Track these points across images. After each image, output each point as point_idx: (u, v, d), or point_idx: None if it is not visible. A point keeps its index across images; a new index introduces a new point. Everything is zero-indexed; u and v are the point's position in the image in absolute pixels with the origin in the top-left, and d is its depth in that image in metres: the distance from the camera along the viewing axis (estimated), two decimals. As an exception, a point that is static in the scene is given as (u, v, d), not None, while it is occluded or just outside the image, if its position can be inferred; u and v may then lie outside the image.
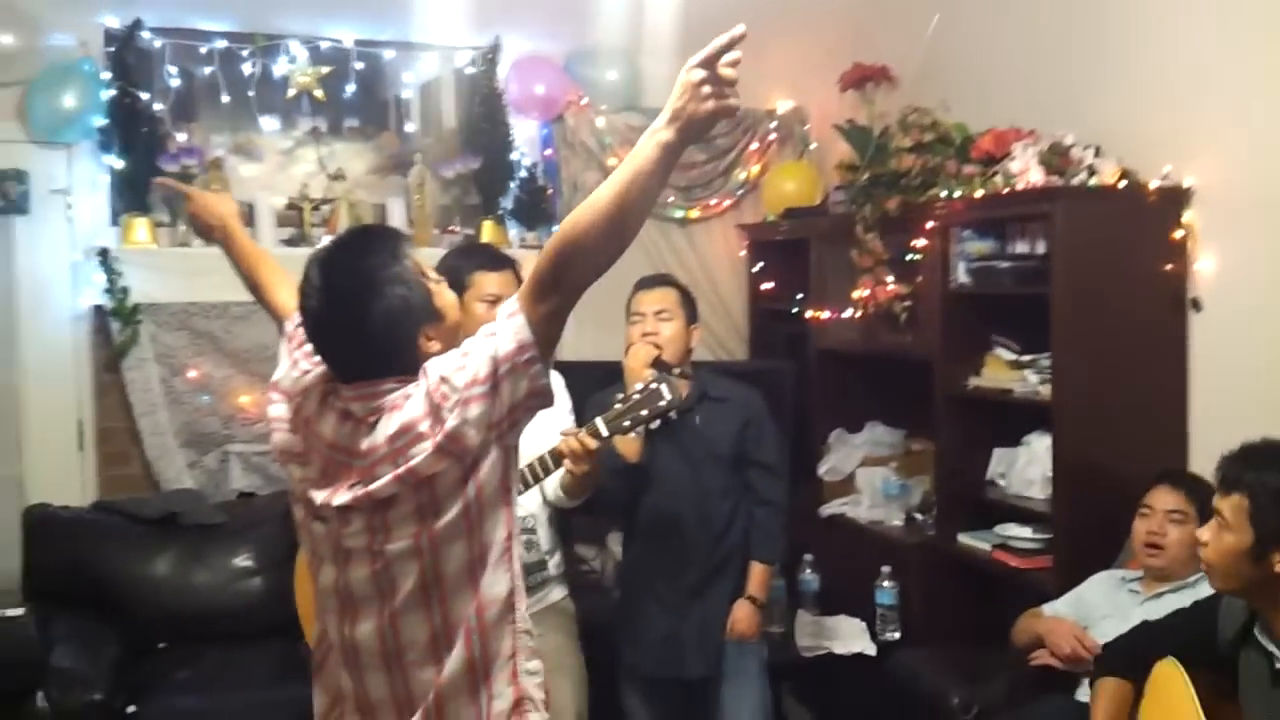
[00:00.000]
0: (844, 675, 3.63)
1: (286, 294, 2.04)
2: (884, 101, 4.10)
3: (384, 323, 1.67)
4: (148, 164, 4.11)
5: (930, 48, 4.06)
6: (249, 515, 4.04)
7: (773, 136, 4.91)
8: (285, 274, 2.15)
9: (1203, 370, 3.13)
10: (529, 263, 1.67)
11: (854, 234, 3.84)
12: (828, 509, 4.12)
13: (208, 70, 4.28)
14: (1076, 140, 3.26)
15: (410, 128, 4.59)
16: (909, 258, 3.70)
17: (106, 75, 4.11)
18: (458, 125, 4.65)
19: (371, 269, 1.69)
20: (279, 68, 4.35)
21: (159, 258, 4.16)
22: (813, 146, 4.92)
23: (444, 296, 1.78)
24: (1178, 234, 3.13)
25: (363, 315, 1.67)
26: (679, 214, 4.80)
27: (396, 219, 4.47)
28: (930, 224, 3.57)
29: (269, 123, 4.40)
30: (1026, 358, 3.32)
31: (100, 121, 4.11)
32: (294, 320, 1.83)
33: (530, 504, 2.75)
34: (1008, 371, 3.37)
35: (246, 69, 4.31)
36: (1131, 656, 2.39)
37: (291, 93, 4.37)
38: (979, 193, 3.37)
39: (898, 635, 3.60)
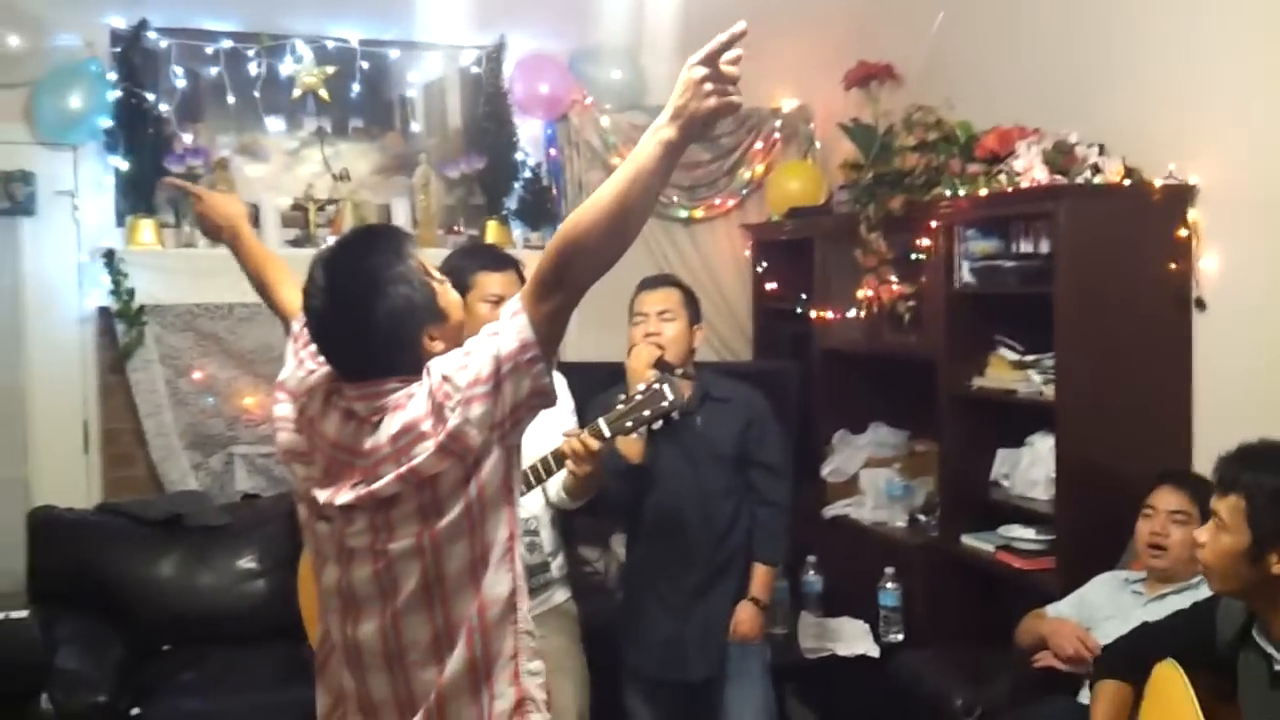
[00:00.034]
0: (847, 677, 3.63)
1: (293, 294, 2.04)
2: (888, 100, 4.09)
3: (387, 322, 1.68)
4: (153, 165, 4.13)
5: (935, 46, 4.06)
6: (253, 517, 4.04)
7: (777, 135, 4.91)
8: (291, 274, 2.16)
9: (1207, 370, 3.12)
10: (532, 263, 1.67)
11: (858, 233, 3.83)
12: (831, 510, 4.11)
13: (213, 71, 4.29)
14: (1081, 138, 3.25)
15: (415, 128, 4.59)
16: (913, 257, 3.69)
17: (112, 76, 4.12)
18: (462, 125, 4.65)
19: (375, 268, 1.69)
20: (284, 68, 4.36)
21: (164, 259, 4.17)
22: (817, 145, 4.92)
23: (448, 296, 1.79)
24: (1182, 233, 3.12)
25: (366, 315, 1.67)
26: (683, 214, 4.80)
27: (401, 219, 4.47)
28: (934, 223, 3.57)
29: (274, 123, 4.41)
30: (1030, 358, 3.31)
31: (106, 122, 4.12)
32: (300, 320, 1.83)
33: (533, 505, 2.75)
34: (1011, 372, 3.37)
35: (252, 69, 4.32)
36: (1131, 658, 2.39)
37: (297, 93, 4.38)
38: (983, 191, 3.36)
39: (901, 637, 3.60)
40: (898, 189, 3.70)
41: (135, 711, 3.32)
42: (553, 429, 2.56)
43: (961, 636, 3.46)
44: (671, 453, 2.97)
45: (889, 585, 3.62)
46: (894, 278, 3.77)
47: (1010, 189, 3.28)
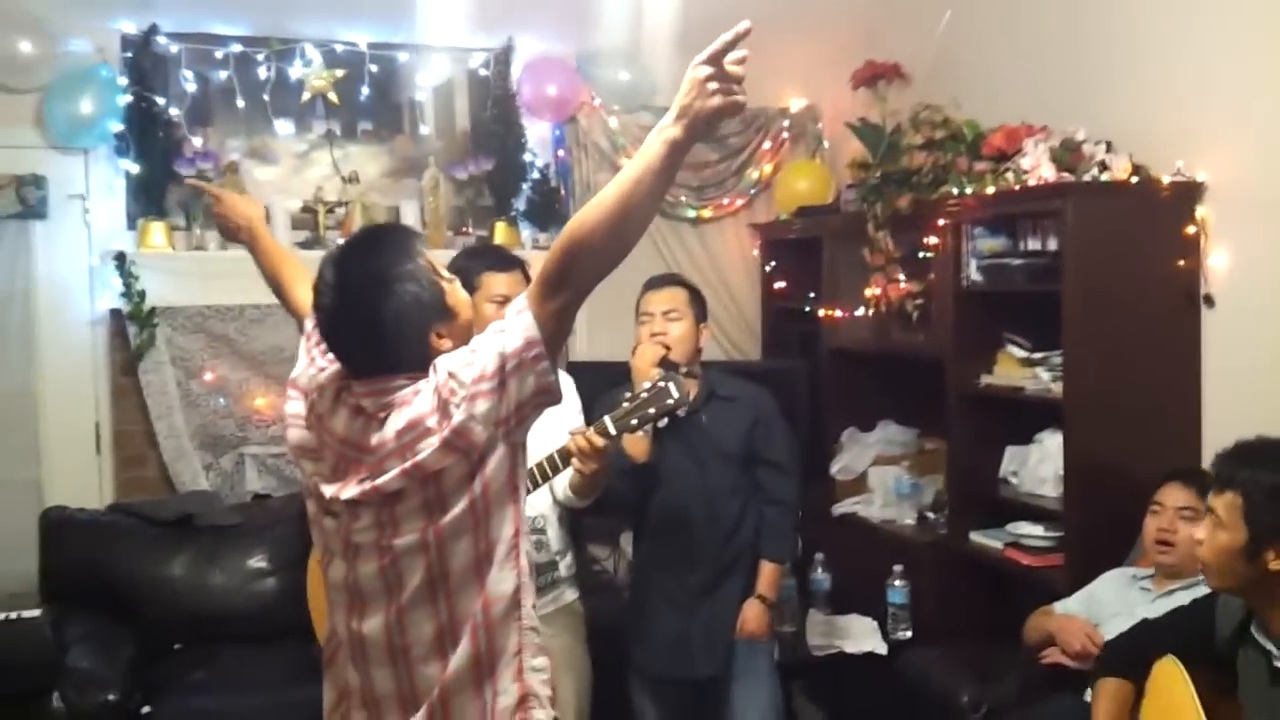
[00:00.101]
0: (855, 674, 3.63)
1: (307, 293, 2.04)
2: (896, 99, 4.09)
3: (395, 320, 1.69)
4: (164, 168, 4.16)
5: (942, 45, 4.06)
6: (264, 517, 4.06)
7: (785, 135, 4.91)
8: (306, 273, 2.16)
9: (1215, 367, 3.12)
10: (539, 264, 1.68)
11: (866, 232, 3.84)
12: (840, 508, 4.12)
13: (223, 74, 4.30)
14: (1088, 136, 3.25)
15: (424, 130, 4.61)
16: (921, 255, 3.70)
17: (123, 80, 4.14)
18: (470, 127, 4.67)
19: (383, 267, 1.71)
20: (294, 71, 4.37)
21: (175, 261, 4.19)
22: (825, 145, 4.92)
23: (456, 295, 1.80)
24: (1190, 230, 3.12)
25: (375, 312, 1.68)
26: (691, 214, 4.80)
27: (410, 221, 4.48)
28: (942, 221, 3.57)
29: (284, 126, 4.42)
30: (1038, 355, 3.31)
31: (117, 126, 4.14)
32: (313, 318, 1.85)
33: (540, 504, 2.75)
34: (1019, 369, 3.36)
35: (261, 73, 4.33)
36: (1131, 656, 2.39)
37: (306, 96, 4.39)
38: (990, 190, 3.36)
39: (909, 634, 3.60)
40: (905, 188, 3.70)
41: (146, 710, 3.33)
42: (559, 428, 2.57)
43: (970, 634, 3.46)
44: (677, 451, 2.98)
45: (897, 583, 3.62)
46: (902, 276, 3.78)
47: (1018, 187, 3.27)
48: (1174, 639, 2.28)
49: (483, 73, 4.61)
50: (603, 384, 2.95)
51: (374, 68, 4.46)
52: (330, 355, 1.78)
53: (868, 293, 3.91)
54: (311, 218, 4.40)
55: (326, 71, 4.40)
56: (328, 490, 1.73)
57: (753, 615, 2.99)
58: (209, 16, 4.27)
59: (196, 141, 4.29)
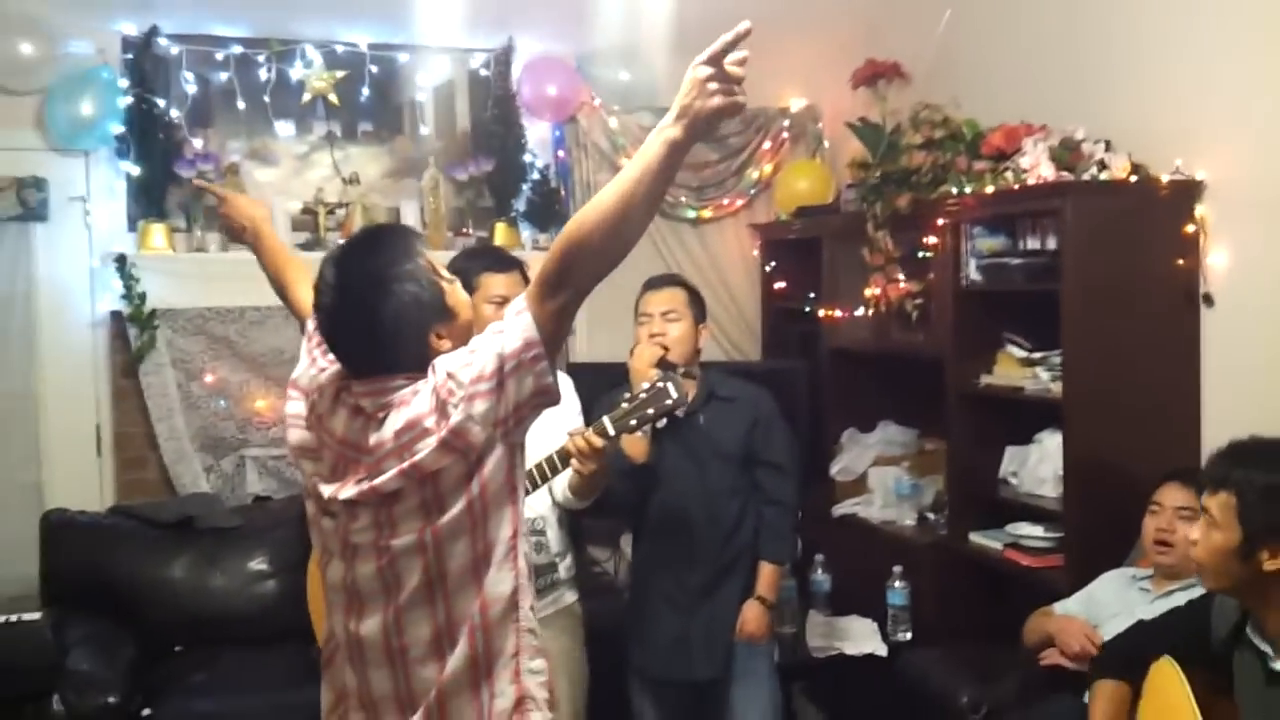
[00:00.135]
0: (855, 676, 3.63)
1: (309, 294, 2.05)
2: (896, 98, 4.10)
3: (395, 320, 1.69)
4: (164, 170, 4.17)
5: (941, 45, 4.06)
6: (264, 519, 4.06)
7: (785, 135, 4.91)
8: (310, 274, 2.17)
9: (1215, 366, 3.11)
10: (538, 264, 1.68)
11: (866, 232, 3.84)
12: (840, 509, 4.12)
13: (223, 76, 4.31)
14: (1087, 135, 3.25)
15: (424, 131, 4.61)
16: (920, 255, 3.69)
17: (124, 82, 4.15)
18: (470, 128, 4.67)
19: (383, 267, 1.71)
20: (294, 73, 4.38)
21: (176, 263, 4.20)
22: (825, 145, 4.92)
23: (456, 295, 1.80)
24: (1189, 228, 3.11)
25: (374, 312, 1.69)
26: (691, 214, 4.80)
27: (410, 222, 4.48)
28: (941, 221, 3.56)
29: (284, 127, 4.43)
30: (1038, 355, 3.30)
31: (117, 128, 4.14)
32: (315, 319, 1.85)
33: (540, 506, 2.75)
34: (1019, 369, 3.36)
35: (262, 74, 4.34)
36: (1127, 657, 2.39)
37: (306, 97, 4.40)
38: (990, 189, 3.36)
39: (909, 635, 3.60)
40: (905, 187, 3.70)
41: (146, 712, 3.34)
42: (558, 429, 2.57)
43: (970, 635, 3.45)
44: (676, 452, 2.98)
45: (897, 584, 3.62)
46: (901, 276, 3.78)
47: (1017, 186, 3.27)
48: (1170, 640, 2.28)
49: (483, 73, 4.62)
50: (602, 385, 2.95)
51: (374, 68, 4.46)
52: (331, 356, 1.78)
53: (867, 293, 3.91)
54: (312, 219, 4.41)
55: (327, 72, 4.40)
56: (326, 490, 1.73)
57: (752, 616, 2.98)
58: (209, 18, 4.27)
59: (197, 143, 4.29)
